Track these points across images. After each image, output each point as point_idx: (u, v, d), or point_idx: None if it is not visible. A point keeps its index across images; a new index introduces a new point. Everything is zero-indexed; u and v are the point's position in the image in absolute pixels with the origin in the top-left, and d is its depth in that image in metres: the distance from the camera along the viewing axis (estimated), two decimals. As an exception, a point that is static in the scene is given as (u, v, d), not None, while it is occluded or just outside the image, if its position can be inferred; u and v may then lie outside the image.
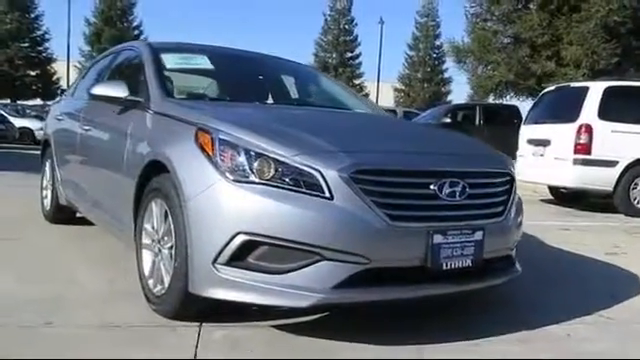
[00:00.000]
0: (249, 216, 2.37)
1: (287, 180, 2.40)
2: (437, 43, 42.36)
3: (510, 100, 16.21)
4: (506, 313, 3.10)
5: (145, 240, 2.98)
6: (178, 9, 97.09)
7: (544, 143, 8.36)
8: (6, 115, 19.19)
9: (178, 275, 2.58)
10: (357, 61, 42.14)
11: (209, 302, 2.52)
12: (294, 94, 4.21)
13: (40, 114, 22.37)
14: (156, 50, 3.69)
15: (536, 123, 8.95)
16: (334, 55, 41.40)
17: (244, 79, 3.99)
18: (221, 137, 2.53)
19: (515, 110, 14.67)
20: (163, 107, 3.10)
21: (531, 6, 14.59)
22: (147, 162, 2.92)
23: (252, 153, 2.45)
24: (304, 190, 2.38)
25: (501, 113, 14.80)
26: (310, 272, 2.34)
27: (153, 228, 2.90)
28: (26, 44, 35.58)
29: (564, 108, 8.34)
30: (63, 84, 36.27)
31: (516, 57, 14.66)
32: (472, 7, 16.17)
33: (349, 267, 2.36)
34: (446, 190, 2.54)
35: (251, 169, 2.42)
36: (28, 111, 22.85)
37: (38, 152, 14.75)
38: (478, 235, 2.61)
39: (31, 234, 4.61)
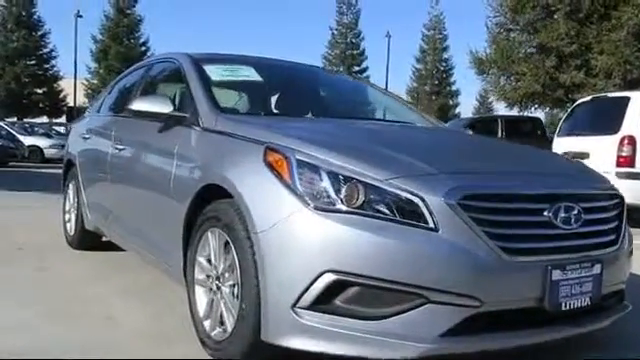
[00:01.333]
0: (337, 251, 2.00)
1: (381, 208, 2.03)
2: (445, 56, 42.18)
3: (535, 112, 15.86)
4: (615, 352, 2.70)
5: (198, 275, 2.61)
6: (184, 25, 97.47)
7: (582, 156, 7.96)
8: (15, 133, 18.92)
9: (245, 319, 2.20)
10: (365, 75, 41.91)
11: (280, 351, 2.14)
12: (352, 107, 3.85)
13: (48, 132, 22.17)
14: (197, 61, 3.35)
15: (571, 135, 8.58)
16: (341, 69, 41.19)
17: (296, 91, 3.64)
18: (298, 158, 2.16)
19: (538, 122, 14.31)
20: (217, 123, 2.74)
21: (557, 15, 14.23)
22: (202, 186, 2.55)
23: (338, 176, 2.08)
24: (403, 220, 2.01)
25: (523, 125, 14.43)
26: (413, 317, 1.97)
27: (209, 262, 2.54)
28: (33, 62, 35.50)
29: (603, 119, 7.99)
30: (70, 102, 36.18)
31: (543, 67, 14.27)
32: (495, 17, 15.87)
33: (459, 311, 1.99)
34: (561, 216, 2.17)
35: (337, 195, 2.06)
36: (36, 129, 22.58)
37: (49, 171, 14.34)
38: (597, 268, 2.24)
39: (58, 263, 4.24)
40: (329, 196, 2.06)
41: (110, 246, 4.38)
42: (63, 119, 36.09)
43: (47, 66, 36.17)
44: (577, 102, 9.17)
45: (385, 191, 2.04)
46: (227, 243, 2.40)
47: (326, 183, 2.08)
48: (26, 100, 35.05)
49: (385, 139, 2.65)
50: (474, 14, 72.56)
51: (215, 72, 3.26)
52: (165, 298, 3.36)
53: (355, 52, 41.60)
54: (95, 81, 37.58)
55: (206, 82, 3.10)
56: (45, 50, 36.16)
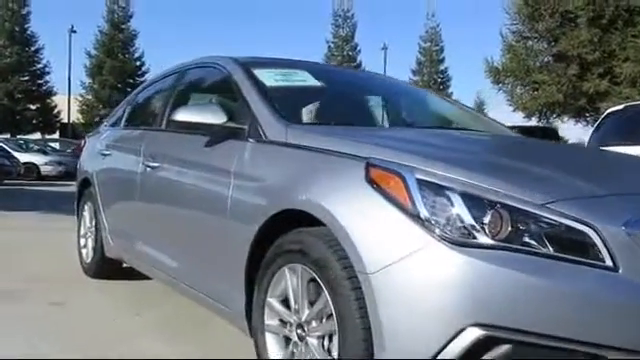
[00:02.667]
0: (484, 299, 1.53)
1: (536, 241, 1.57)
2: (441, 67, 41.98)
3: (553, 122, 15.41)
4: None
5: (269, 321, 2.13)
6: (179, 39, 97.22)
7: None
8: (10, 150, 18.33)
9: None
10: (361, 87, 41.59)
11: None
12: (426, 115, 3.39)
13: (43, 148, 21.59)
14: (246, 65, 2.89)
15: (602, 146, 8.15)
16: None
17: (361, 98, 3.19)
18: (419, 177, 1.70)
19: (553, 132, 13.90)
20: (288, 135, 2.27)
21: (579, 21, 13.88)
22: (275, 212, 2.08)
23: (476, 200, 1.62)
24: (569, 257, 1.55)
25: (538, 136, 14.00)
26: (591, 386, 1.50)
27: (287, 305, 2.06)
28: (26, 77, 34.91)
29: (637, 128, 7.58)
30: (64, 118, 35.62)
31: (565, 76, 13.88)
32: (513, 24, 15.50)
33: (648, 377, 1.52)
34: None
35: (478, 224, 1.59)
36: (31, 145, 21.99)
37: (47, 189, 13.75)
38: None
39: (76, 296, 3.74)
40: (465, 226, 1.60)
41: (133, 274, 3.90)
42: (56, 135, 35.51)
43: (40, 82, 35.56)
44: (607, 111, 8.79)
45: (541, 218, 1.58)
46: (312, 282, 1.94)
47: (460, 209, 1.61)
48: (19, 116, 34.40)
49: (509, 152, 2.20)
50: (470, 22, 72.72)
51: (268, 77, 2.80)
52: (215, 339, 2.89)
53: (352, 65, 41.32)
54: (89, 97, 37.09)
55: (263, 89, 2.64)
56: (39, 65, 35.58)
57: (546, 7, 14.09)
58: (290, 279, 2.03)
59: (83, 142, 4.96)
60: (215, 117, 2.53)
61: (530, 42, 15.25)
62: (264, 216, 2.13)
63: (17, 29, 34.46)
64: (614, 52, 13.56)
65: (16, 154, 18.35)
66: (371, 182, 1.77)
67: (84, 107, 37.06)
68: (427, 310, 1.58)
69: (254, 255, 2.21)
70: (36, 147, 21.51)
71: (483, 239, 1.58)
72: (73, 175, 19.43)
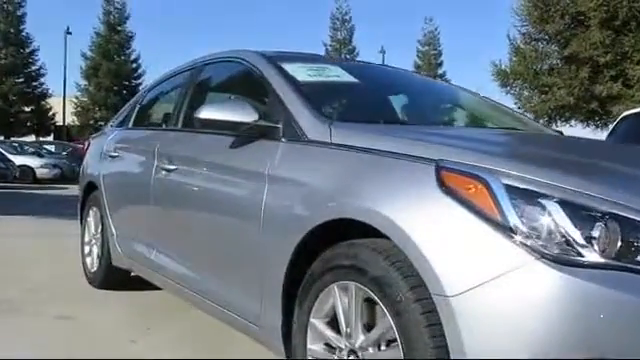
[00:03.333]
0: (594, 330, 1.28)
1: (655, 259, 1.32)
2: (439, 71, 41.81)
3: (560, 125, 15.16)
4: None
5: (314, 345, 1.88)
6: (175, 41, 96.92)
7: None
8: (5, 153, 17.98)
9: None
10: (359, 91, 41.38)
11: None
12: (474, 114, 3.13)
13: (39, 151, 21.24)
14: (275, 60, 2.64)
15: (618, 149, 7.95)
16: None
17: (402, 95, 2.93)
18: (507, 182, 1.45)
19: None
20: (332, 135, 2.01)
21: (591, 23, 13.63)
22: (323, 222, 1.82)
23: (581, 210, 1.37)
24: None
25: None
26: None
27: (335, 328, 1.81)
28: (21, 79, 34.50)
29: (655, 132, 7.36)
30: (58, 120, 35.23)
31: (576, 79, 13.63)
32: (523, 26, 15.23)
33: None
34: None
35: (585, 239, 1.34)
36: (26, 148, 21.63)
37: (44, 192, 13.43)
38: None
39: (83, 308, 3.46)
40: (568, 240, 1.35)
41: (140, 284, 3.64)
42: (51, 138, 35.10)
43: (35, 84, 35.14)
44: (623, 115, 8.57)
45: None
46: (368, 301, 1.68)
47: (560, 220, 1.36)
48: (13, 119, 33.99)
49: (591, 153, 1.95)
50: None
51: (299, 73, 2.54)
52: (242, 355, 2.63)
53: (349, 68, 41.11)
54: (85, 99, 36.73)
55: (297, 85, 2.39)
56: (34, 67, 35.17)
57: (556, 9, 13.85)
58: (340, 298, 1.78)
59: (87, 144, 4.69)
60: (245, 115, 2.27)
61: (540, 44, 15.01)
62: (308, 226, 1.87)
63: (12, 30, 34.05)
64: (627, 54, 13.29)
65: (11, 157, 18.01)
66: (445, 188, 1.52)
67: (79, 109, 36.70)
68: (522, 341, 1.32)
69: (295, 271, 1.95)
70: (31, 149, 21.16)
71: (591, 256, 1.33)
72: (69, 178, 19.24)
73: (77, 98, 36.67)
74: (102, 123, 36.86)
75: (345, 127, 2.09)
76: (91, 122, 37.09)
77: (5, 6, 33.79)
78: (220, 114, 2.30)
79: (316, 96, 2.34)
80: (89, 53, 36.73)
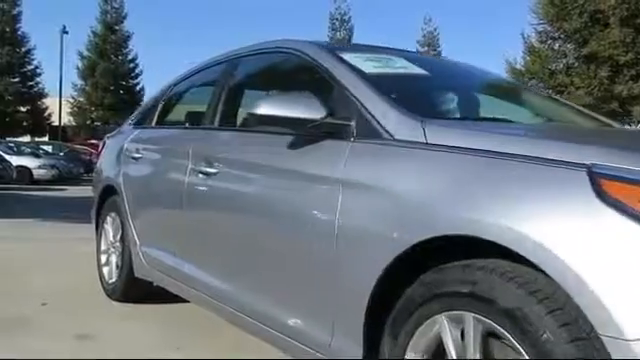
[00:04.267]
0: None
1: None
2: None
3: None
4: None
5: (411, 385, 1.56)
6: (173, 42, 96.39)
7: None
8: (1, 153, 17.56)
9: None
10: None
11: None
12: (532, 108, 2.80)
13: (36, 151, 20.82)
14: (334, 50, 2.34)
15: None
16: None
17: (478, 90, 2.62)
18: None
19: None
20: (426, 134, 1.70)
21: (610, 21, 13.36)
22: (426, 238, 1.51)
23: None
24: None
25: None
26: None
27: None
28: (17, 79, 34.03)
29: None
30: (54, 120, 34.75)
31: (595, 78, 13.34)
32: (540, 24, 14.94)
33: None
34: None
35: None
36: (23, 148, 21.20)
37: (42, 193, 12.99)
38: None
39: (105, 325, 3.15)
40: None
41: (165, 297, 3.33)
42: (46, 138, 34.61)
43: (31, 83, 34.68)
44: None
45: None
46: (491, 336, 1.38)
47: None
48: (8, 118, 33.50)
49: None
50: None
51: (362, 64, 2.23)
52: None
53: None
54: (81, 99, 36.31)
55: (366, 77, 2.08)
56: (29, 67, 34.71)
57: (574, 6, 13.57)
58: (450, 331, 1.47)
59: (102, 144, 4.36)
60: (312, 111, 1.97)
61: (556, 43, 14.71)
62: (405, 243, 1.56)
63: (7, 30, 33.58)
64: (648, 53, 13.06)
65: (7, 157, 17.60)
66: (607, 199, 1.21)
67: (76, 109, 36.28)
68: None
69: (385, 294, 1.65)
70: (28, 150, 20.74)
71: None
72: (67, 179, 18.85)
73: (73, 98, 36.26)
74: (98, 123, 36.57)
75: (440, 125, 1.78)
76: (87, 122, 36.72)
77: (0, 5, 33.31)
78: (283, 110, 1.99)
79: (391, 90, 2.02)
80: (86, 53, 36.35)
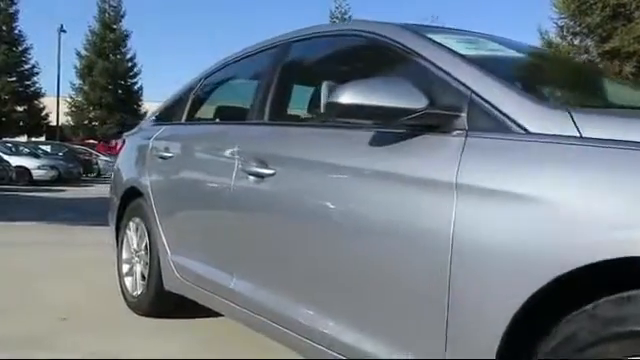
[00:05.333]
0: None
1: None
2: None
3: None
4: None
5: None
6: (174, 41, 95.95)
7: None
8: (0, 154, 17.15)
9: None
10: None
11: None
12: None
13: (34, 151, 20.41)
14: (421, 31, 2.00)
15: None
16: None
17: (566, 76, 2.26)
18: None
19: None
20: (580, 126, 1.35)
21: (634, 15, 12.97)
22: (593, 262, 1.17)
23: None
24: None
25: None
26: None
27: None
28: (13, 79, 33.55)
29: None
30: (52, 120, 34.28)
31: (620, 74, 12.96)
32: (560, 19, 14.57)
33: None
34: None
35: None
36: (21, 148, 20.78)
37: (43, 194, 12.58)
38: None
39: (135, 343, 2.80)
40: None
41: (194, 309, 3.00)
42: (42, 138, 34.12)
43: (28, 83, 34.24)
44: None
45: None
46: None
47: None
48: (5, 118, 33.02)
49: None
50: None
51: (457, 46, 1.89)
52: None
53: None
54: (79, 98, 35.88)
55: (475, 61, 1.74)
56: (26, 66, 34.26)
57: (595, 0, 13.19)
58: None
59: (121, 142, 3.99)
60: (410, 100, 1.62)
61: (577, 38, 14.33)
62: (562, 267, 1.22)
63: (4, 28, 33.15)
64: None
65: (5, 157, 17.21)
66: None
67: (73, 109, 35.84)
68: None
69: (519, 327, 1.30)
70: (26, 150, 20.32)
71: None
72: (66, 180, 18.47)
73: (71, 97, 35.83)
74: (96, 123, 36.15)
75: (591, 114, 1.42)
76: (85, 122, 36.27)
77: (-3, 3, 32.90)
78: (374, 98, 1.63)
79: (508, 75, 1.68)
80: (84, 52, 35.94)
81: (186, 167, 2.94)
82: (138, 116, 37.16)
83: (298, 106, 2.42)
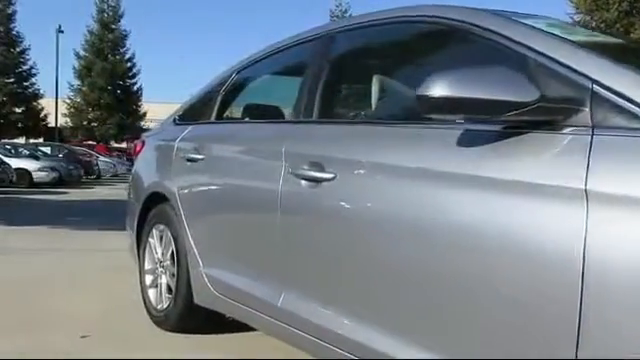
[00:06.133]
0: None
1: None
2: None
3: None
4: None
5: None
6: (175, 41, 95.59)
7: None
8: (0, 156, 16.85)
9: None
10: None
11: None
12: None
13: (34, 153, 20.11)
14: (510, 17, 1.75)
15: None
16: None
17: None
18: None
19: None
20: None
21: None
22: None
23: None
24: None
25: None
26: None
27: None
28: (11, 80, 33.22)
29: None
30: (50, 121, 33.95)
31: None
32: (577, 14, 14.30)
33: None
34: None
35: None
36: (21, 150, 20.48)
37: (45, 197, 12.33)
38: None
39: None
40: None
41: (225, 324, 2.80)
42: (40, 140, 33.78)
43: (26, 84, 33.92)
44: None
45: None
46: None
47: None
48: (3, 120, 32.69)
49: None
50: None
51: (558, 32, 1.64)
52: None
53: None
54: (78, 99, 35.58)
55: (591, 48, 1.51)
56: (24, 67, 33.94)
57: (612, -6, 13.03)
58: None
59: (140, 144, 3.73)
60: (518, 92, 1.37)
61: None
62: None
63: (2, 29, 32.81)
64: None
65: (5, 160, 16.91)
66: None
67: (72, 110, 35.54)
68: None
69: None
70: (26, 152, 20.02)
71: None
72: (67, 182, 18.20)
73: (70, 98, 35.53)
74: (95, 124, 35.84)
75: None
76: (84, 123, 35.97)
77: (-6, 4, 32.56)
78: (474, 90, 1.38)
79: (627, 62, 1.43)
80: (82, 52, 35.67)
81: (220, 171, 2.68)
82: (137, 117, 36.97)
83: (357, 103, 2.16)
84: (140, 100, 37.46)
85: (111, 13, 35.82)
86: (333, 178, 1.92)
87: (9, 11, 33.13)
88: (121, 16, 36.10)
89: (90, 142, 32.95)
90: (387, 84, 1.86)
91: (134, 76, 36.94)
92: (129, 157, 32.17)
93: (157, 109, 37.17)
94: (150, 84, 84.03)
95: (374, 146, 1.86)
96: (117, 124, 35.34)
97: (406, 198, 1.67)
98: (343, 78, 2.26)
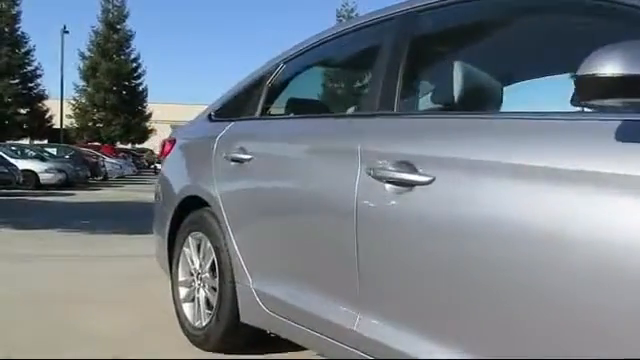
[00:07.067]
0: None
1: None
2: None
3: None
4: None
5: None
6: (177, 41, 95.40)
7: None
8: (7, 157, 16.55)
9: None
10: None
11: None
12: None
13: (41, 154, 19.83)
14: None
15: None
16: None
17: None
18: None
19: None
20: None
21: None
22: None
23: None
24: None
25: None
26: None
27: None
28: (16, 81, 32.94)
29: None
30: (56, 122, 33.66)
31: None
32: None
33: None
34: None
35: None
36: (27, 151, 20.20)
37: (53, 199, 11.92)
38: None
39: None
40: None
41: (269, 344, 2.52)
42: (45, 141, 33.50)
43: (31, 85, 33.63)
44: None
45: None
46: None
47: None
48: (8, 121, 32.39)
49: None
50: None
51: None
52: None
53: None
54: (83, 100, 35.31)
55: None
56: (29, 68, 33.64)
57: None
58: None
59: (169, 143, 3.39)
60: None
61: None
62: None
63: (7, 30, 32.52)
64: None
65: (12, 161, 16.63)
66: None
67: (77, 111, 35.26)
68: None
69: None
70: (32, 153, 19.75)
71: None
72: (74, 184, 17.91)
73: (75, 99, 35.25)
74: (100, 125, 35.55)
75: None
76: (89, 124, 35.69)
77: (-1, 4, 32.29)
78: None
79: None
80: (87, 53, 35.39)
81: (274, 173, 2.35)
82: (143, 117, 36.70)
83: (449, 92, 1.82)
84: (146, 100, 37.20)
85: (116, 13, 35.53)
86: (431, 181, 1.59)
87: (14, 12, 32.84)
88: (126, 16, 35.84)
89: (95, 143, 32.66)
90: (500, 71, 1.54)
91: (139, 76, 36.68)
92: (135, 157, 31.96)
93: (162, 110, 36.96)
94: (156, 84, 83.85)
95: (485, 143, 1.52)
96: (122, 125, 35.05)
97: (542, 209, 1.34)
98: (431, 63, 1.93)
